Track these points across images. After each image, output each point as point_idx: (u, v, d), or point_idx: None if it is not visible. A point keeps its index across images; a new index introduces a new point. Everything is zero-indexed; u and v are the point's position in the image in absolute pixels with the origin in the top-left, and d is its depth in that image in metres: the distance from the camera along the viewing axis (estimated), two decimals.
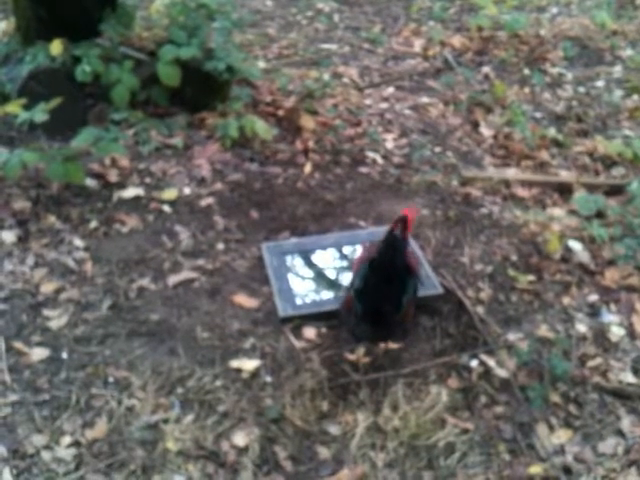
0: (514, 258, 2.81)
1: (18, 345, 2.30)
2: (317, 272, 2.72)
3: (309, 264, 2.75)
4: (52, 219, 2.83)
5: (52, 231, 2.78)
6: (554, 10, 5.85)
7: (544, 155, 3.65)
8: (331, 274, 2.71)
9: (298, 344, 2.37)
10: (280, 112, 3.75)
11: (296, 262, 2.74)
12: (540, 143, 3.74)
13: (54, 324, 2.39)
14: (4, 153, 2.79)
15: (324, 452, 2.01)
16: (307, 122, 3.63)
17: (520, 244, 2.89)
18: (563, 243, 2.86)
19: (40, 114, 2.84)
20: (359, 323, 2.22)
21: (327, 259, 2.77)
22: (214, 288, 2.60)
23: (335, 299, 2.54)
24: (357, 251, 2.77)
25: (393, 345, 2.34)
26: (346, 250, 2.81)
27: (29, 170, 2.98)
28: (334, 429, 2.07)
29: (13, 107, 2.96)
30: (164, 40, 3.66)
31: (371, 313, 2.18)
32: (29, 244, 2.71)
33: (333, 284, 2.65)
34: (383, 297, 2.16)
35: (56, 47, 3.33)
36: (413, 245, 2.71)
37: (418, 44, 4.98)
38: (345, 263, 2.76)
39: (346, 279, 2.61)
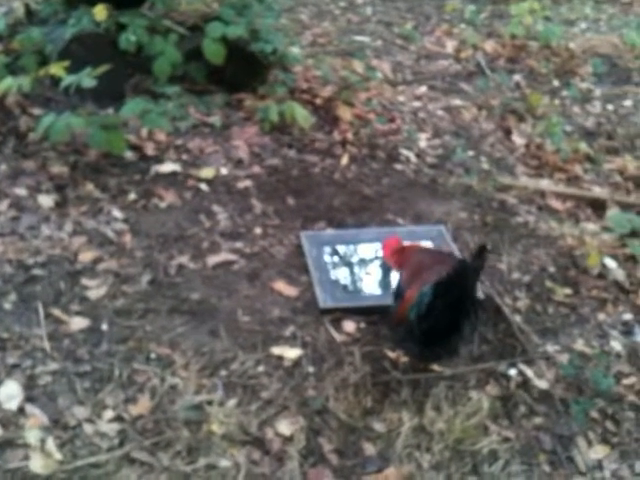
0: (551, 270, 2.81)
1: (57, 312, 2.26)
2: (356, 266, 2.70)
3: (349, 257, 2.72)
4: (90, 187, 2.79)
5: (90, 199, 2.73)
6: (583, 25, 5.85)
7: (577, 169, 3.64)
8: (370, 269, 2.69)
9: (338, 337, 2.35)
10: (317, 100, 3.71)
11: (335, 253, 2.71)
12: (573, 157, 3.73)
13: (93, 294, 2.35)
14: (50, 116, 2.73)
15: (370, 448, 1.99)
16: (344, 113, 3.60)
17: (557, 256, 2.88)
18: (600, 259, 2.87)
19: (87, 79, 2.77)
20: (413, 343, 2.16)
21: (366, 253, 2.74)
22: (253, 272, 2.57)
23: (374, 295, 2.55)
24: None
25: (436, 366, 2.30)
26: None
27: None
28: (379, 426, 2.05)
29: (56, 69, 2.89)
30: (205, 16, 3.61)
31: (432, 340, 2.10)
32: (67, 210, 2.66)
33: (372, 279, 2.63)
34: (448, 326, 2.06)
35: (100, 12, 3.26)
36: None
37: (450, 45, 4.96)
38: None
39: (387, 277, 2.60)
